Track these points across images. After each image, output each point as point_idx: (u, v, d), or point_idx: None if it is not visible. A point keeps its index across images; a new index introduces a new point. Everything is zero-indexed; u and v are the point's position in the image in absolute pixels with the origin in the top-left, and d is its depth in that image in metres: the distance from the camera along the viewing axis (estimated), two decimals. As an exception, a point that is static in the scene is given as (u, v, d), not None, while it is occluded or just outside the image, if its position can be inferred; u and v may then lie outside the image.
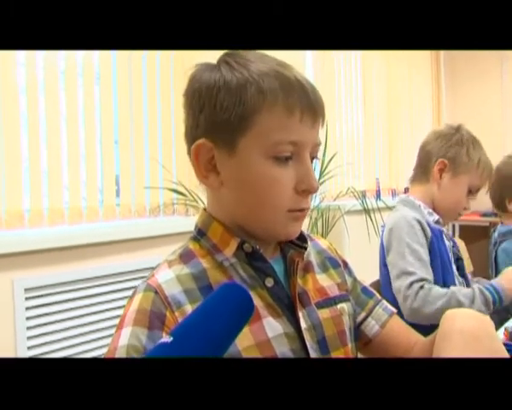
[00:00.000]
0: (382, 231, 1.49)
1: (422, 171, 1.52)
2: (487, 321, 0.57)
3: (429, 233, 1.40)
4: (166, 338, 0.40)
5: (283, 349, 0.65)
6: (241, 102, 0.63)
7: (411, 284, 1.30)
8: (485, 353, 0.52)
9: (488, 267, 1.90)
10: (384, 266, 1.45)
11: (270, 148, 0.63)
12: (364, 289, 0.84)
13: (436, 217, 1.47)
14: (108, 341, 0.62)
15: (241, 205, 0.67)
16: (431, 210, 1.48)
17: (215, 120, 0.64)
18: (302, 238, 0.74)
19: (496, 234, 1.85)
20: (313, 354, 0.67)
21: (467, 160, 1.43)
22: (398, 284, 1.33)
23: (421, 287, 1.28)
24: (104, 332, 1.95)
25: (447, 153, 1.46)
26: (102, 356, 0.61)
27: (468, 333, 0.54)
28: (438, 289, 1.28)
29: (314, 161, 0.70)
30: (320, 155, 2.64)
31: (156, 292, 0.62)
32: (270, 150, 0.63)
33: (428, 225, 1.41)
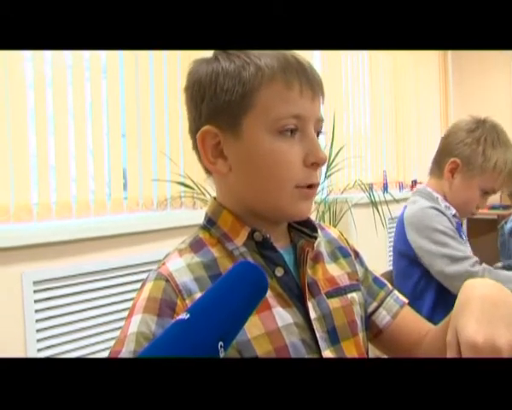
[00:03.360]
0: (400, 219, 1.42)
1: (437, 166, 1.45)
2: (507, 291, 0.58)
3: (454, 223, 1.37)
4: (183, 315, 0.40)
5: (293, 339, 0.65)
6: (240, 81, 0.64)
7: (474, 264, 1.28)
8: (503, 320, 0.52)
9: (498, 259, 1.89)
10: (401, 256, 1.41)
11: (274, 123, 0.64)
12: (376, 280, 0.83)
13: (453, 211, 1.41)
14: (116, 333, 0.62)
15: (250, 187, 0.67)
16: (448, 204, 1.41)
17: (217, 104, 0.65)
18: (313, 227, 0.74)
19: (510, 223, 1.83)
20: (323, 344, 0.67)
21: (482, 160, 1.32)
22: (456, 269, 1.28)
23: (485, 269, 1.28)
24: (112, 325, 1.96)
25: (462, 151, 1.35)
26: (111, 346, 0.61)
27: (487, 300, 0.55)
28: (501, 271, 1.30)
29: (319, 135, 0.70)
30: (328, 144, 2.65)
31: (167, 280, 0.62)
32: (274, 125, 0.64)
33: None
